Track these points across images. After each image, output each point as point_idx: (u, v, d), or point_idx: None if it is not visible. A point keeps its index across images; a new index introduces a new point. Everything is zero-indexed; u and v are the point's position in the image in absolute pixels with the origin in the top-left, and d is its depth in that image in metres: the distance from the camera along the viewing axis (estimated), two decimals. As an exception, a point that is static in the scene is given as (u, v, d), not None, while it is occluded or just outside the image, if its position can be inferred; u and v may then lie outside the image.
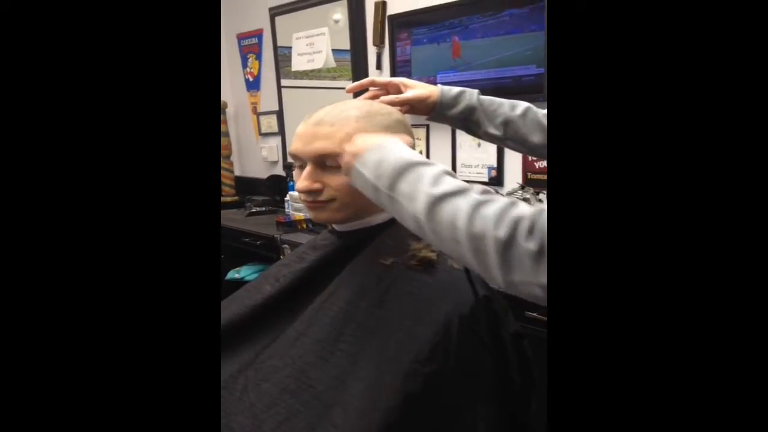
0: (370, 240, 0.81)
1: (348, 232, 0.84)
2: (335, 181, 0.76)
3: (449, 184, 0.57)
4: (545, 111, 0.90)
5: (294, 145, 0.79)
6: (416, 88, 0.89)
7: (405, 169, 0.60)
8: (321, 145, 0.75)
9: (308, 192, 0.78)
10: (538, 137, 0.88)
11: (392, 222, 0.83)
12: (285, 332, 0.78)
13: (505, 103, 0.90)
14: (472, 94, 0.91)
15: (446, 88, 0.91)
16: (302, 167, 0.79)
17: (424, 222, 0.57)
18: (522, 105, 0.90)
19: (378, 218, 0.82)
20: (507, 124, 0.89)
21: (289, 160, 2.92)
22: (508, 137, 0.90)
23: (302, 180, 0.78)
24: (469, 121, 0.90)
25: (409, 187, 0.59)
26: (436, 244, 0.58)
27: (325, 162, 0.76)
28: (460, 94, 0.90)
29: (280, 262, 0.94)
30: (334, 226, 0.86)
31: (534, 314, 1.45)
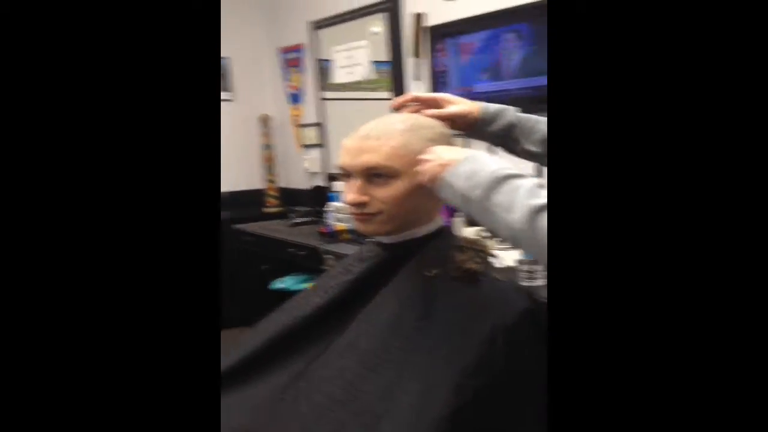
0: (415, 252, 0.83)
1: (393, 244, 0.85)
2: (382, 193, 0.78)
3: (546, 195, 0.60)
4: None
5: (342, 158, 0.82)
6: (458, 104, 0.90)
7: (500, 180, 0.64)
8: (368, 158, 0.77)
9: (356, 204, 0.80)
10: None
11: (437, 234, 0.84)
12: (334, 343, 0.80)
13: (542, 120, 0.91)
14: (511, 111, 0.91)
15: (486, 104, 0.91)
16: (350, 180, 0.81)
17: (522, 231, 0.60)
18: None
19: (423, 230, 0.84)
20: (545, 140, 0.89)
21: (335, 171, 2.97)
22: (545, 154, 0.90)
23: (350, 192, 0.80)
24: (507, 138, 0.91)
25: (506, 198, 0.62)
26: (535, 253, 0.61)
27: (372, 175, 0.78)
28: (500, 111, 0.91)
29: (327, 274, 0.96)
30: (380, 238, 0.87)
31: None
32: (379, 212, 0.80)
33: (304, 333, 0.85)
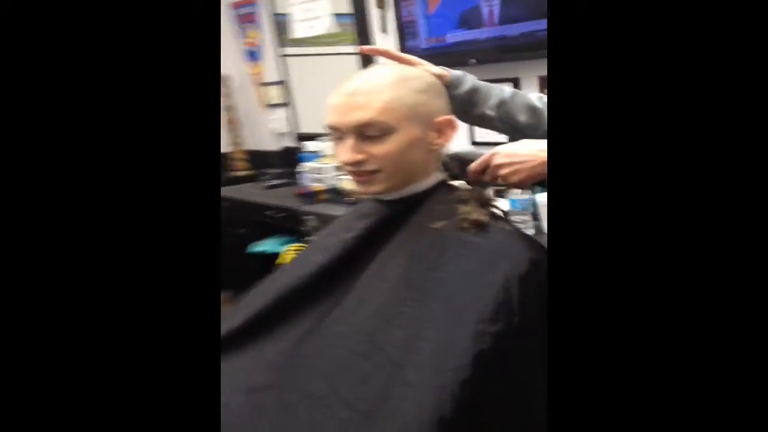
0: (417, 206, 0.84)
1: (394, 200, 0.86)
2: (378, 150, 0.78)
3: None
4: (533, 94, 0.94)
5: (330, 117, 0.80)
6: (429, 66, 0.89)
7: None
8: (360, 116, 0.77)
9: (353, 164, 0.80)
10: (525, 117, 0.91)
11: (437, 188, 0.85)
12: (345, 300, 0.81)
13: (495, 86, 0.93)
14: (469, 76, 0.92)
15: (447, 69, 0.91)
16: (341, 139, 0.81)
17: None
18: (509, 88, 0.94)
19: (423, 185, 0.85)
20: (501, 104, 0.91)
21: (303, 131, 2.92)
22: (500, 117, 0.92)
23: (345, 152, 0.79)
24: (468, 102, 0.91)
25: None
26: None
27: (366, 132, 0.78)
28: (463, 75, 0.91)
29: (324, 232, 0.96)
30: (381, 195, 0.87)
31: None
32: (378, 170, 0.80)
33: (310, 291, 0.85)
